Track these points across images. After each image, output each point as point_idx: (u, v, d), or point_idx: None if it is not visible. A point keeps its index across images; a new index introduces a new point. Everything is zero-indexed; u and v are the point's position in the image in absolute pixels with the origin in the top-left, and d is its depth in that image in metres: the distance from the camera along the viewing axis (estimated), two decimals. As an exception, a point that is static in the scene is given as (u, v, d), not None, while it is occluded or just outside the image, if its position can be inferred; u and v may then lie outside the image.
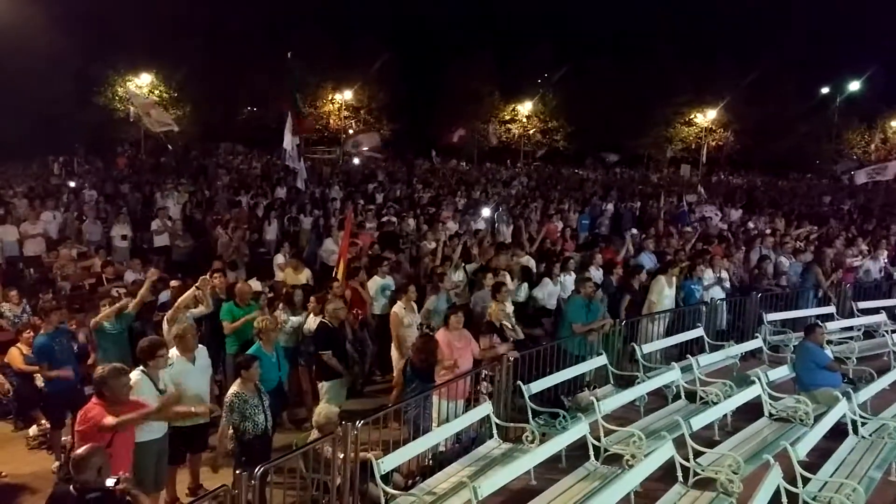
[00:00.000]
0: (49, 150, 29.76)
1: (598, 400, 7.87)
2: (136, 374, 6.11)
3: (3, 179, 22.52)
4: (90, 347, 8.73)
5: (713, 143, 56.07)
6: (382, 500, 6.08)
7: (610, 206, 22.33)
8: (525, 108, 57.09)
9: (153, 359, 6.33)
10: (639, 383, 9.09)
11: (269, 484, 5.63)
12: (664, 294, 11.06)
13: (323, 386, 8.41)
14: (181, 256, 14.97)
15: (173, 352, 6.93)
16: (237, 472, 5.31)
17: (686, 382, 9.14)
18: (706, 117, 55.64)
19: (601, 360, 9.38)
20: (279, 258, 12.99)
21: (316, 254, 14.94)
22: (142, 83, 44.04)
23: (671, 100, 54.05)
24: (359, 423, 6.27)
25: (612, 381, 9.43)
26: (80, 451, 4.49)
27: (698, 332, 10.86)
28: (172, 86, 45.12)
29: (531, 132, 56.87)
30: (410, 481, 6.89)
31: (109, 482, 4.43)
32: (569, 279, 11.64)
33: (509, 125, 57.20)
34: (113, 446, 4.99)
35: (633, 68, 52.24)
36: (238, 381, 6.69)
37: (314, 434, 6.51)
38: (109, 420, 5.17)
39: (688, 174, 46.84)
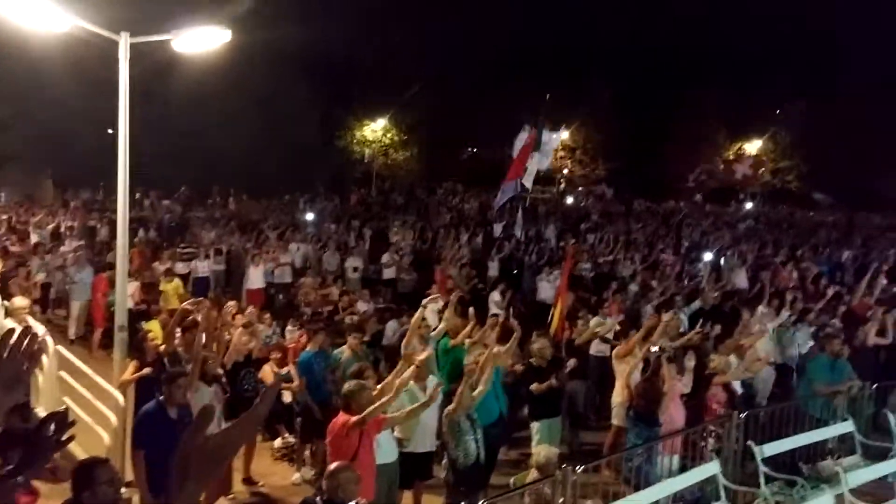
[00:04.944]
0: (296, 188, 33.43)
1: (844, 471, 7.07)
2: None
3: (258, 213, 25.66)
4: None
5: None
6: (601, 551, 5.93)
7: (849, 253, 20.12)
8: (753, 146, 53.38)
9: None
10: (893, 456, 8.01)
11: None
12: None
13: (535, 425, 8.38)
14: (406, 288, 15.99)
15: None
16: (462, 502, 5.51)
17: (958, 461, 7.89)
18: None
19: (847, 425, 8.41)
20: (495, 296, 13.42)
21: (532, 291, 15.18)
22: (377, 127, 47.95)
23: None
24: (579, 469, 6.19)
25: (859, 451, 8.40)
26: (332, 466, 4.95)
27: (973, 403, 9.34)
28: (403, 129, 48.55)
29: (760, 172, 52.97)
30: (629, 534, 6.65)
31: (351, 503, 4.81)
32: (805, 333, 10.66)
33: (734, 165, 53.77)
34: (357, 465, 5.41)
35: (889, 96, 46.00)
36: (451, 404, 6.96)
37: (533, 474, 6.53)
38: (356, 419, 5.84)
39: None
